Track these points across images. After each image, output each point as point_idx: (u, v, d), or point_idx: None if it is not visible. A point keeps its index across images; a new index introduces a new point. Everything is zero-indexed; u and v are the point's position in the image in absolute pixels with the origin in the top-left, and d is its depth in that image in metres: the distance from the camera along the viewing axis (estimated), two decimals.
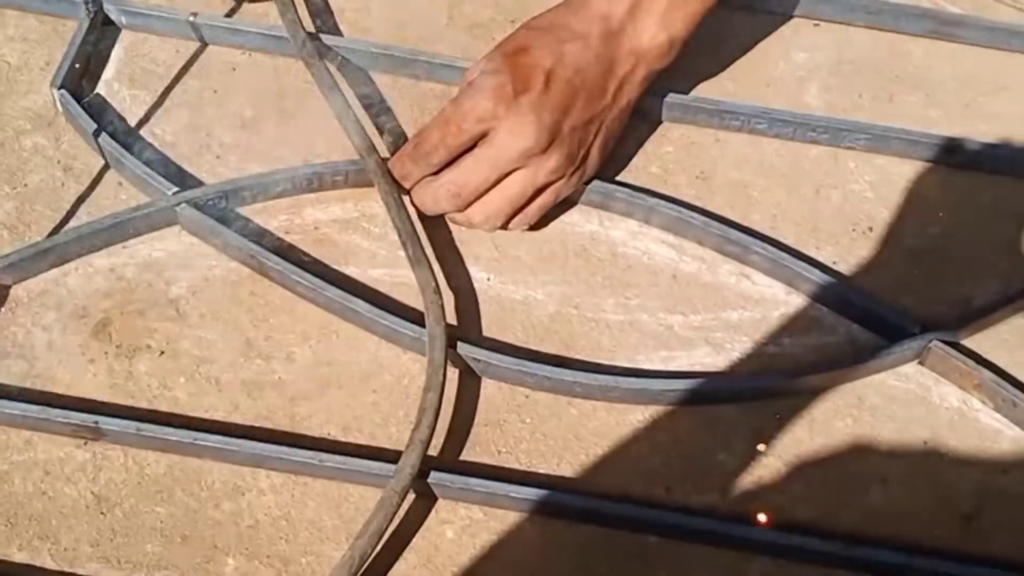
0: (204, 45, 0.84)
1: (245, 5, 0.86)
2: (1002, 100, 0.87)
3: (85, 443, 0.66)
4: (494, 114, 0.70)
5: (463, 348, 0.69)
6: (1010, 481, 0.69)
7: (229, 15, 0.85)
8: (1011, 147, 0.83)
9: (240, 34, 0.83)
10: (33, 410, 0.65)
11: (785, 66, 0.87)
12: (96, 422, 0.65)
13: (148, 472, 0.66)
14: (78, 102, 0.78)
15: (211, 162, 0.78)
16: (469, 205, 0.74)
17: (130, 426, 0.65)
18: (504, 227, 0.75)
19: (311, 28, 0.85)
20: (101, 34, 0.83)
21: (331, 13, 0.87)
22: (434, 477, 0.65)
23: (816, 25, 0.89)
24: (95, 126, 0.76)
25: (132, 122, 0.79)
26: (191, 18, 0.82)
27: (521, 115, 0.70)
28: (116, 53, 0.83)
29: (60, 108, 0.78)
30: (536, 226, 0.76)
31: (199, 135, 0.79)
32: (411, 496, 0.66)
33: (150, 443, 0.66)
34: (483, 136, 0.71)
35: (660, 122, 0.82)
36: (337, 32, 0.85)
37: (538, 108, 0.70)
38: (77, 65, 0.80)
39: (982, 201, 0.81)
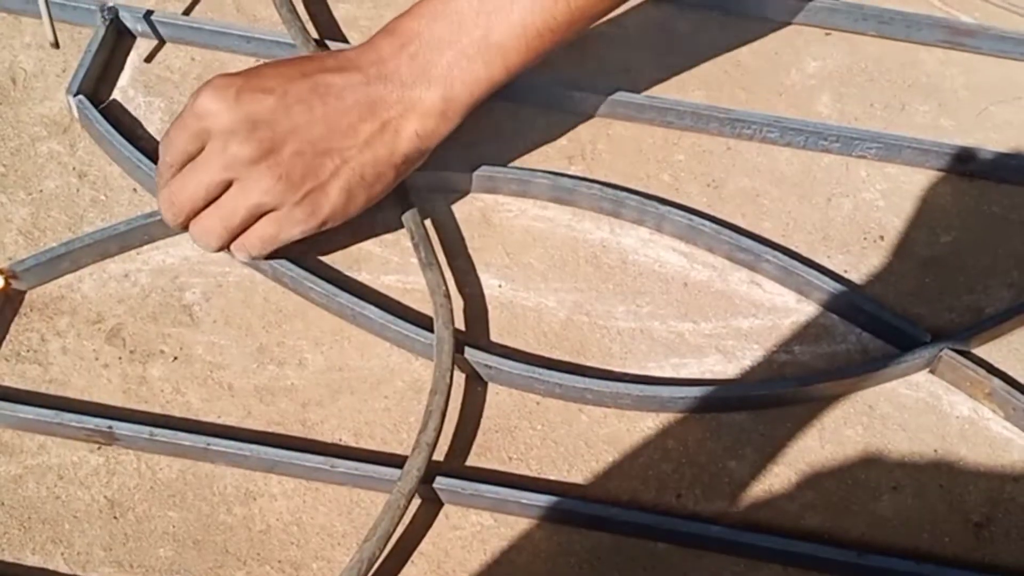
0: (218, 53, 0.84)
1: (257, 14, 0.86)
2: (1014, 109, 0.87)
3: (98, 447, 0.67)
4: (211, 112, 0.66)
5: (471, 353, 0.70)
6: (1021, 490, 0.69)
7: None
8: (1022, 156, 0.83)
9: (253, 42, 0.83)
10: (47, 414, 0.66)
11: (797, 75, 0.87)
12: (109, 427, 0.66)
13: (161, 477, 0.66)
14: (95, 108, 0.78)
15: None
16: (188, 219, 0.69)
17: (143, 431, 0.66)
18: (224, 250, 0.71)
19: (325, 40, 0.85)
20: (117, 41, 0.84)
21: (337, 24, 0.87)
22: (442, 482, 0.65)
23: (828, 34, 0.90)
24: (112, 132, 0.76)
25: (147, 128, 0.80)
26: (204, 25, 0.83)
27: (236, 118, 0.66)
28: (131, 60, 0.83)
29: (76, 114, 0.79)
30: (548, 234, 0.76)
31: None
32: (420, 502, 0.66)
33: (163, 448, 0.66)
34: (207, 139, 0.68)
35: (672, 130, 0.83)
36: (346, 42, 0.86)
37: (257, 116, 0.66)
38: (93, 72, 0.80)
39: (993, 210, 0.81)
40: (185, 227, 0.71)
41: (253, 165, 0.67)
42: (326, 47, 0.82)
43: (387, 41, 0.70)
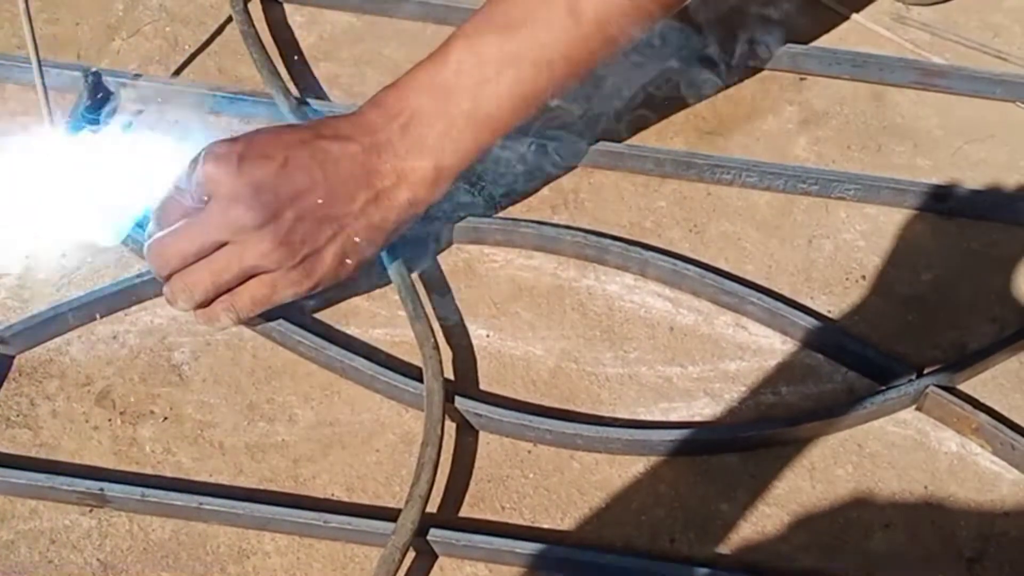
0: (202, 114, 0.85)
1: (239, 74, 0.87)
2: (989, 147, 0.88)
3: (90, 510, 0.67)
4: (212, 178, 0.66)
5: (461, 403, 0.70)
6: (1012, 524, 0.69)
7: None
8: (999, 193, 0.84)
9: (238, 103, 0.84)
10: (38, 478, 0.66)
11: (774, 120, 0.88)
12: (101, 489, 0.65)
13: (153, 538, 0.66)
14: None
15: None
16: (174, 272, 0.69)
17: (135, 492, 0.65)
18: (206, 307, 0.69)
19: (307, 99, 0.86)
20: (101, 105, 0.84)
21: (318, 82, 0.89)
22: (435, 534, 0.65)
23: (803, 79, 0.91)
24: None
25: None
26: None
27: (240, 184, 0.66)
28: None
29: None
30: (534, 282, 0.77)
31: None
32: (415, 555, 0.66)
33: (155, 509, 0.66)
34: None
35: (652, 177, 0.83)
36: (328, 99, 0.87)
37: (261, 183, 0.67)
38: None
39: (973, 247, 0.82)
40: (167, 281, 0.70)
41: (255, 231, 0.67)
42: (307, 105, 0.83)
43: (378, 113, 0.71)
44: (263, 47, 0.86)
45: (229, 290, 0.69)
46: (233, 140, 0.68)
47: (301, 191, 0.67)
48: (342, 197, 0.69)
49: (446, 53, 0.70)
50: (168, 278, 0.69)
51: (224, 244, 0.67)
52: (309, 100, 0.84)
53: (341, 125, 0.71)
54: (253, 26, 0.87)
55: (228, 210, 0.66)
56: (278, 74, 0.84)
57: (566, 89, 0.73)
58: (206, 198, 0.67)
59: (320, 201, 0.68)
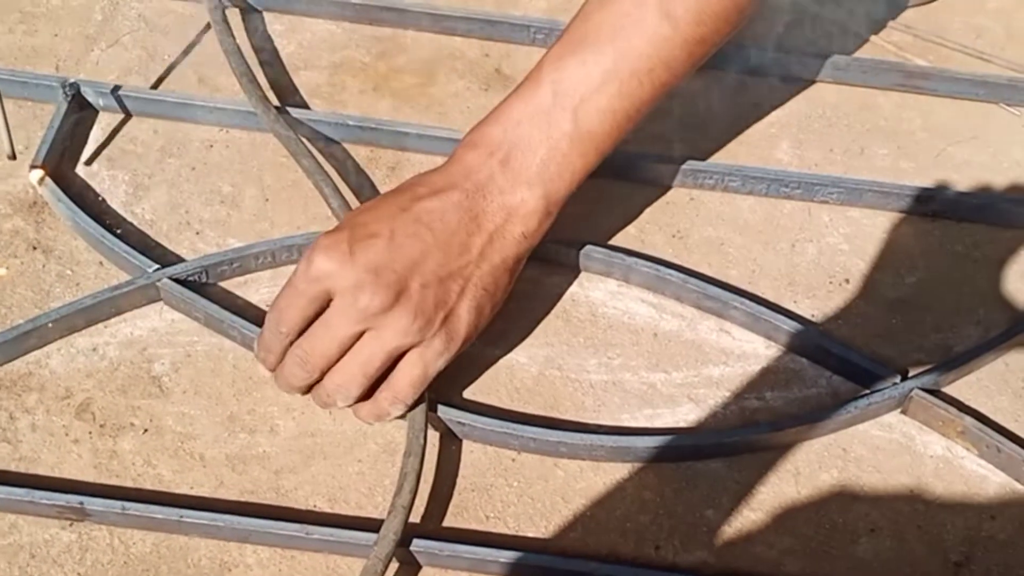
0: (181, 124, 0.85)
1: (218, 84, 0.87)
2: (971, 149, 0.88)
3: (71, 524, 0.66)
4: (329, 273, 0.65)
5: (444, 411, 0.70)
6: (998, 527, 0.69)
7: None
8: (983, 195, 0.84)
9: (216, 112, 0.84)
10: (18, 493, 0.65)
11: (756, 124, 0.88)
12: (81, 503, 0.65)
13: (134, 551, 0.65)
14: (57, 184, 0.78)
15: (191, 239, 0.78)
16: (322, 375, 0.67)
17: (115, 505, 0.65)
18: (368, 404, 0.68)
19: (287, 107, 0.86)
20: (79, 116, 0.84)
21: (299, 91, 0.88)
22: (419, 545, 0.64)
23: (785, 82, 0.91)
24: (75, 208, 0.77)
25: (111, 202, 0.80)
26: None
27: (358, 271, 0.65)
28: (94, 135, 0.84)
29: (40, 191, 0.79)
30: (516, 289, 0.76)
31: (178, 212, 0.80)
32: (398, 565, 0.65)
33: (136, 522, 0.65)
34: (329, 298, 0.66)
35: (635, 184, 0.83)
36: (308, 108, 0.86)
37: (378, 263, 0.65)
38: (56, 148, 0.80)
39: (957, 249, 0.82)
40: (308, 390, 0.69)
41: (389, 312, 0.65)
42: (287, 114, 0.83)
43: (473, 154, 0.69)
44: (242, 56, 0.85)
45: (381, 378, 0.68)
46: (337, 230, 0.68)
47: (417, 258, 0.66)
48: (457, 250, 0.67)
49: (538, 79, 0.70)
50: (309, 386, 0.68)
51: (360, 335, 0.66)
52: (289, 109, 0.84)
53: (436, 179, 0.69)
54: (232, 35, 0.86)
55: (356, 300, 0.65)
56: (257, 83, 0.83)
57: (667, 95, 0.72)
58: (326, 294, 0.66)
59: (438, 261, 0.67)
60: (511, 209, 0.69)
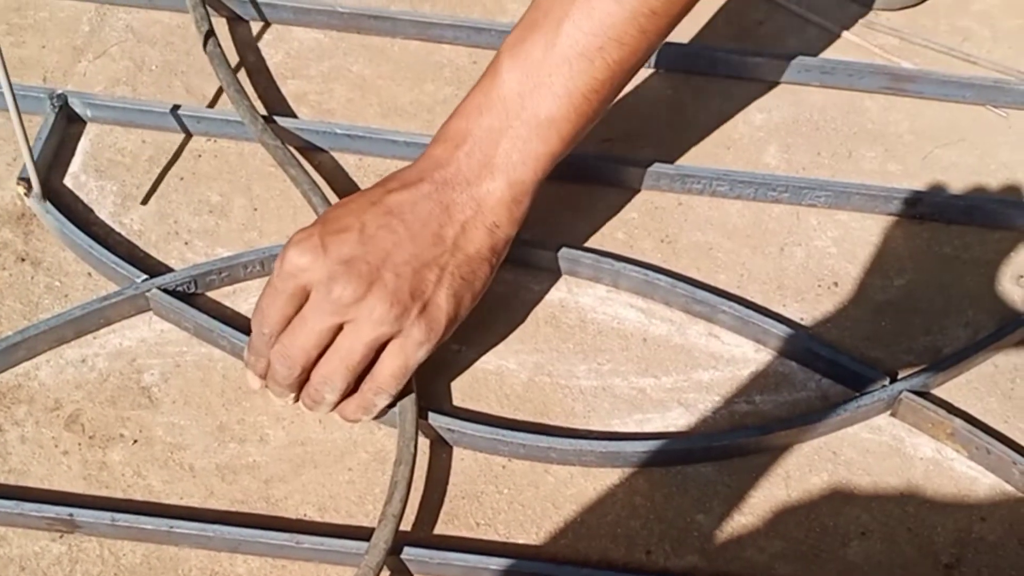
0: (169, 134, 0.85)
1: (206, 93, 0.87)
2: (959, 151, 0.88)
3: (60, 536, 0.66)
4: (303, 267, 0.66)
5: (434, 419, 0.70)
6: (989, 529, 0.69)
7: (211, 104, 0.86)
8: (971, 197, 0.84)
9: (204, 121, 0.84)
10: (7, 505, 0.65)
11: (744, 128, 0.88)
12: (71, 514, 0.65)
13: (124, 563, 0.65)
14: (45, 196, 0.78)
15: (180, 248, 0.78)
16: (306, 372, 0.68)
17: (105, 517, 0.65)
18: (352, 395, 0.69)
19: (275, 116, 0.86)
20: (67, 128, 0.84)
21: (286, 100, 0.88)
22: (409, 553, 0.64)
23: (772, 87, 0.91)
24: (63, 219, 0.77)
25: (100, 213, 0.80)
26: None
27: (330, 263, 0.66)
28: (82, 145, 0.84)
29: (28, 203, 0.79)
30: (506, 295, 0.76)
31: (167, 222, 0.80)
32: (389, 574, 0.65)
33: (126, 533, 0.65)
34: (306, 294, 0.67)
35: (624, 189, 0.83)
36: (295, 117, 0.86)
37: (349, 255, 0.66)
38: (44, 160, 0.80)
39: (945, 251, 0.82)
40: (296, 389, 0.69)
41: (362, 301, 0.66)
42: (274, 123, 0.83)
43: (441, 147, 0.70)
44: (229, 66, 0.85)
45: (363, 373, 0.68)
46: (309, 226, 0.68)
47: (389, 248, 0.67)
48: (430, 240, 0.68)
49: (496, 70, 0.70)
50: (298, 386, 0.69)
51: (339, 329, 0.67)
52: (277, 118, 0.84)
53: (407, 173, 0.70)
54: (219, 45, 0.86)
55: (330, 292, 0.66)
56: (245, 93, 0.83)
57: (629, 72, 0.71)
58: (303, 290, 0.67)
59: (411, 252, 0.67)
60: (479, 200, 0.69)
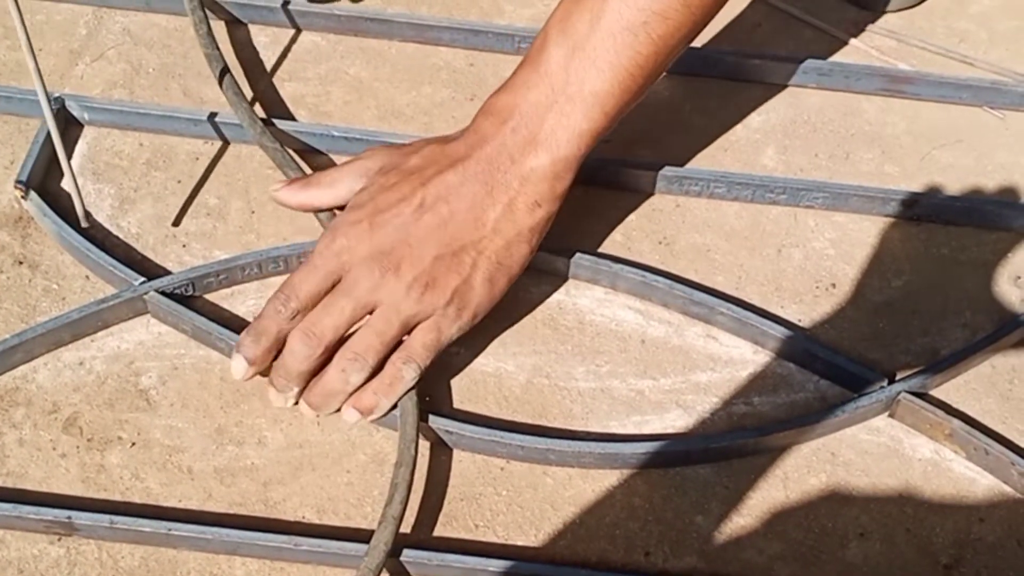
0: (167, 137, 0.85)
1: (203, 96, 0.87)
2: (956, 152, 0.88)
3: (59, 539, 0.66)
4: (349, 248, 0.68)
5: (433, 420, 0.69)
6: (988, 529, 0.69)
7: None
8: (968, 198, 0.84)
9: (201, 125, 0.84)
10: (5, 508, 0.65)
11: (741, 130, 0.88)
12: (69, 517, 0.65)
13: (123, 565, 0.65)
14: (43, 199, 0.78)
15: (177, 251, 0.78)
16: (327, 351, 0.68)
17: (103, 519, 0.65)
18: (378, 372, 0.69)
19: (272, 118, 0.86)
20: (64, 131, 0.84)
21: (284, 103, 0.88)
22: (408, 555, 0.64)
23: (769, 89, 0.91)
24: (61, 222, 0.76)
25: (97, 215, 0.80)
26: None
27: (374, 246, 0.68)
28: (80, 148, 0.84)
29: (25, 206, 0.79)
30: (504, 298, 0.76)
31: (164, 225, 0.80)
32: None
33: (124, 536, 0.65)
34: (341, 275, 0.69)
35: (622, 191, 0.83)
36: (294, 120, 0.86)
37: (394, 238, 0.68)
38: (41, 163, 0.80)
39: (943, 252, 0.82)
40: (305, 381, 0.69)
41: (400, 283, 0.68)
42: (273, 126, 0.83)
43: (488, 121, 0.71)
44: (228, 69, 0.85)
45: (376, 369, 0.69)
46: (357, 207, 0.70)
47: (432, 232, 0.69)
48: (472, 223, 0.69)
49: (543, 45, 0.70)
50: (306, 372, 0.69)
51: (370, 310, 0.68)
52: (275, 120, 0.84)
53: (455, 148, 0.71)
54: (218, 48, 0.86)
55: (371, 272, 0.68)
56: (244, 95, 0.83)
57: (675, 49, 0.71)
58: (342, 270, 0.68)
59: (452, 234, 0.69)
60: (524, 178, 0.70)
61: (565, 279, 0.79)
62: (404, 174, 0.72)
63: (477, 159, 0.70)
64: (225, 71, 0.84)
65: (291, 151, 0.82)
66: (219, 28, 0.92)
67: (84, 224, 0.77)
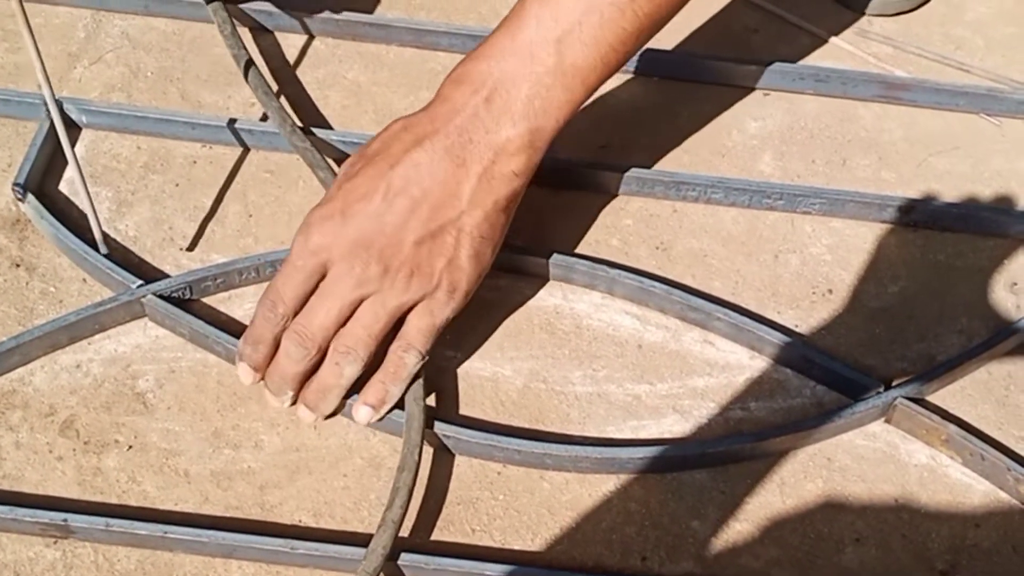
0: (164, 140, 0.85)
1: (202, 100, 0.87)
2: (953, 159, 0.88)
3: (55, 542, 0.66)
4: (326, 245, 0.67)
5: (439, 427, 0.69)
6: (983, 535, 0.69)
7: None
8: (964, 205, 0.84)
9: (199, 128, 0.84)
10: (1, 511, 0.65)
11: (739, 136, 0.88)
12: (65, 520, 0.65)
13: (119, 568, 0.65)
14: (40, 202, 0.78)
15: (175, 255, 0.78)
16: (320, 350, 0.68)
17: (99, 522, 0.65)
18: (376, 362, 0.69)
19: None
20: None
21: (282, 107, 0.88)
22: (405, 559, 0.64)
23: (766, 95, 0.91)
24: (58, 225, 0.76)
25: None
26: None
27: (351, 240, 0.67)
28: (78, 151, 0.83)
29: (23, 208, 0.79)
30: (501, 302, 0.76)
31: (162, 228, 0.80)
32: None
33: (120, 539, 0.65)
34: (324, 272, 0.68)
35: (619, 196, 0.83)
36: (329, 127, 0.86)
37: (370, 228, 0.67)
38: (39, 165, 0.80)
39: (939, 258, 0.82)
40: (300, 383, 0.69)
41: (384, 273, 0.67)
42: (303, 129, 0.83)
43: (458, 91, 0.69)
44: (258, 69, 0.85)
45: (375, 365, 0.69)
46: (328, 200, 0.69)
47: (408, 215, 0.67)
48: (447, 201, 0.68)
49: (521, 13, 0.69)
50: (302, 374, 0.69)
51: (359, 303, 0.67)
52: (313, 129, 0.84)
53: (420, 123, 0.69)
54: (244, 47, 0.86)
55: (352, 267, 0.67)
56: (274, 95, 0.83)
57: (655, 27, 0.71)
58: (323, 268, 0.67)
59: (428, 215, 0.68)
60: (498, 148, 0.69)
61: (562, 284, 0.79)
62: (368, 158, 0.70)
63: (447, 132, 0.68)
64: (250, 64, 0.84)
65: (322, 153, 0.82)
66: (215, 32, 0.92)
67: (103, 250, 0.76)
